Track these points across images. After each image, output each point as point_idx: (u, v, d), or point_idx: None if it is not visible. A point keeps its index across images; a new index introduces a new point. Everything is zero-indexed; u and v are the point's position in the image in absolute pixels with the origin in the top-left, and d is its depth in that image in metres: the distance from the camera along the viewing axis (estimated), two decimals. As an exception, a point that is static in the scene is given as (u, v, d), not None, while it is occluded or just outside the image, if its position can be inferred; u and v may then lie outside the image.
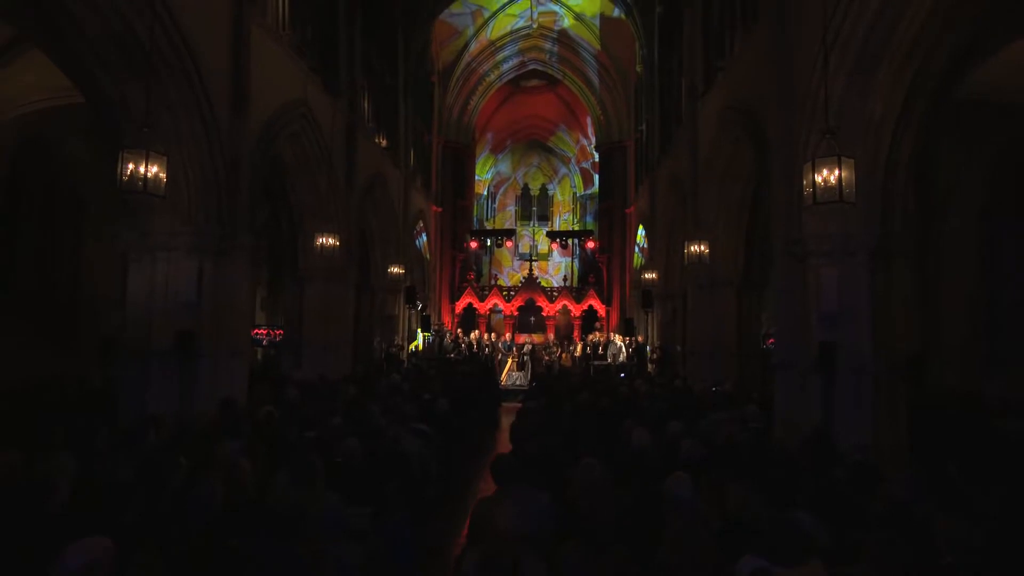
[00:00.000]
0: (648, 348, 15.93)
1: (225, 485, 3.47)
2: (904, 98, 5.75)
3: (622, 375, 13.67)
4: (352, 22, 12.21)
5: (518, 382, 16.57)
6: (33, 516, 3.12)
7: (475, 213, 24.42)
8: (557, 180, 26.83)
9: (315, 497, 3.50)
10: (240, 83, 7.63)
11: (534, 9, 19.11)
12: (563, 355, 17.44)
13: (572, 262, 24.41)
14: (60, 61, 6.75)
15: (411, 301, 16.53)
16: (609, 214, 21.41)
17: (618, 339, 17.00)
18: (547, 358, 17.17)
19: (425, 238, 19.50)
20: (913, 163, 6.12)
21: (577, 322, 20.36)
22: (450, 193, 21.16)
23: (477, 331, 18.77)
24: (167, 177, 5.33)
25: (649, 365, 15.13)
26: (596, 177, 23.71)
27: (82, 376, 9.37)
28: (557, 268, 25.47)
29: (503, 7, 18.89)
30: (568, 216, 26.42)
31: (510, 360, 17.51)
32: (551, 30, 19.92)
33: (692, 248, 10.17)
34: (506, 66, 21.22)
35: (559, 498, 3.61)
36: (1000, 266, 10.05)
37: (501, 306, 20.46)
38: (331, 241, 10.31)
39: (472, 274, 21.86)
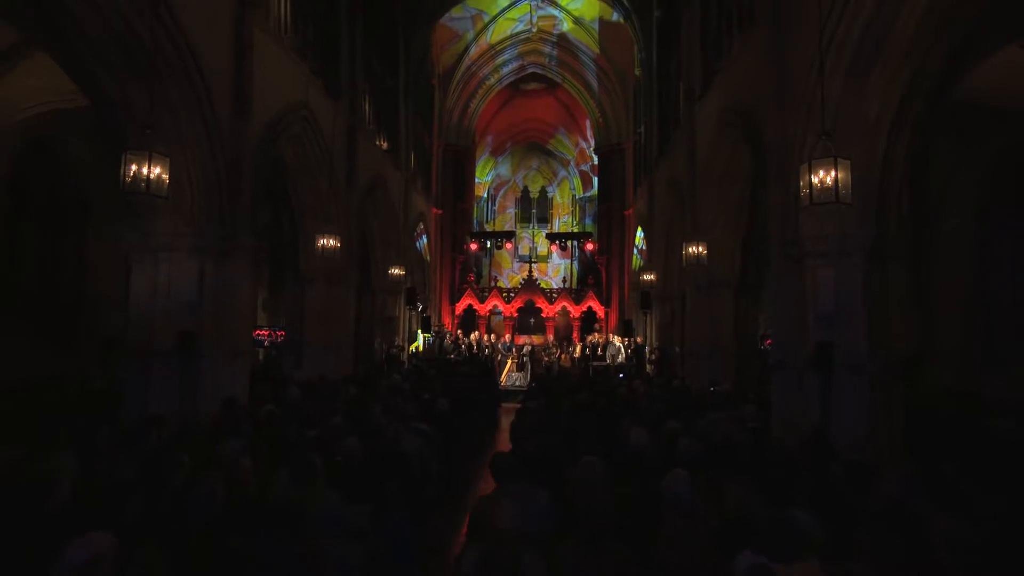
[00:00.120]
0: (647, 349, 15.96)
1: (226, 484, 3.50)
2: (900, 99, 5.79)
3: (621, 376, 13.70)
4: (353, 25, 12.27)
5: (518, 383, 16.60)
6: (35, 514, 3.14)
7: (475, 215, 24.48)
8: (556, 182, 26.90)
9: (315, 495, 3.53)
10: (242, 85, 7.67)
11: (533, 13, 19.19)
12: (562, 356, 17.47)
13: (571, 264, 24.45)
14: (62, 61, 6.75)
15: (411, 302, 16.57)
16: (608, 216, 21.46)
17: (617, 340, 17.04)
18: (546, 359, 17.21)
19: (425, 240, 19.55)
20: (909, 164, 6.16)
21: (576, 323, 20.41)
22: (450, 195, 21.22)
23: (477, 332, 18.81)
24: (169, 178, 5.35)
25: (648, 366, 15.16)
26: (595, 179, 23.78)
27: (84, 376, 9.40)
28: (556, 270, 25.51)
29: (503, 11, 18.98)
30: (567, 218, 26.50)
31: (510, 361, 17.55)
32: (550, 34, 20.00)
33: (690, 250, 10.20)
34: (506, 70, 21.30)
35: (558, 496, 3.64)
36: (996, 267, 10.09)
37: (501, 307, 20.50)
38: (332, 242, 10.34)
39: (472, 276, 21.90)
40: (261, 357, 13.09)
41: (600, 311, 20.53)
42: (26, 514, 3.11)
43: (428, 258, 19.88)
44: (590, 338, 17.87)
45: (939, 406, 7.18)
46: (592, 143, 22.92)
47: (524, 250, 24.96)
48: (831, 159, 4.83)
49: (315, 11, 10.89)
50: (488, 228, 25.21)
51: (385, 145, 14.86)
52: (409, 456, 4.83)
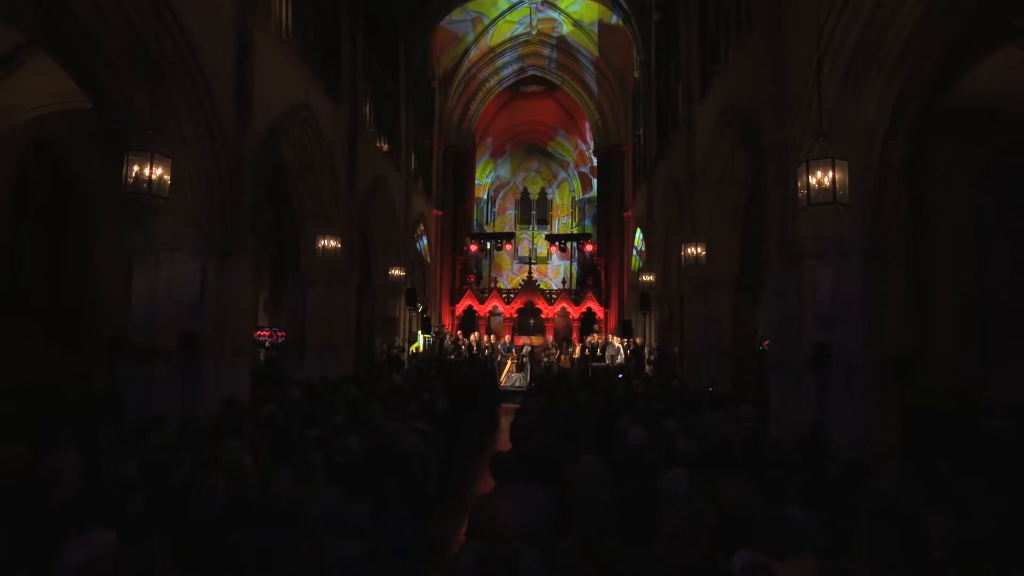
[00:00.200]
0: (646, 349, 15.99)
1: (227, 482, 3.53)
2: (897, 101, 5.83)
3: (620, 376, 13.72)
4: (354, 28, 12.32)
5: (517, 383, 16.63)
6: (38, 511, 3.16)
7: (475, 217, 24.53)
8: (556, 184, 26.96)
9: (315, 494, 3.55)
10: (243, 87, 7.70)
11: (533, 16, 19.26)
12: (562, 357, 17.51)
13: (571, 265, 24.49)
14: (64, 63, 6.76)
15: (412, 303, 16.61)
16: (607, 217, 21.50)
17: (616, 341, 17.06)
18: (546, 359, 17.24)
19: (426, 241, 19.59)
20: (905, 166, 6.19)
21: (576, 324, 20.44)
22: (450, 197, 21.26)
23: (477, 333, 18.85)
24: (171, 179, 5.38)
25: (647, 366, 15.19)
26: (594, 181, 23.82)
27: (87, 377, 9.42)
28: (556, 271, 25.55)
29: (503, 14, 19.05)
30: (567, 220, 26.55)
31: (509, 362, 17.57)
32: (550, 37, 20.06)
33: (689, 251, 10.24)
34: (506, 72, 21.36)
35: (557, 495, 3.66)
36: (991, 267, 10.13)
37: (501, 308, 20.54)
38: (333, 243, 10.38)
39: (472, 277, 21.93)
40: (262, 357, 13.13)
41: (599, 312, 20.57)
42: (29, 513, 3.13)
43: (428, 259, 19.92)
44: (589, 339, 17.90)
45: (936, 406, 7.22)
46: (591, 145, 22.97)
47: (524, 251, 25.01)
48: (829, 160, 4.87)
49: (316, 14, 10.94)
50: (488, 229, 25.25)
51: (386, 147, 14.91)
52: (409, 455, 4.86)
